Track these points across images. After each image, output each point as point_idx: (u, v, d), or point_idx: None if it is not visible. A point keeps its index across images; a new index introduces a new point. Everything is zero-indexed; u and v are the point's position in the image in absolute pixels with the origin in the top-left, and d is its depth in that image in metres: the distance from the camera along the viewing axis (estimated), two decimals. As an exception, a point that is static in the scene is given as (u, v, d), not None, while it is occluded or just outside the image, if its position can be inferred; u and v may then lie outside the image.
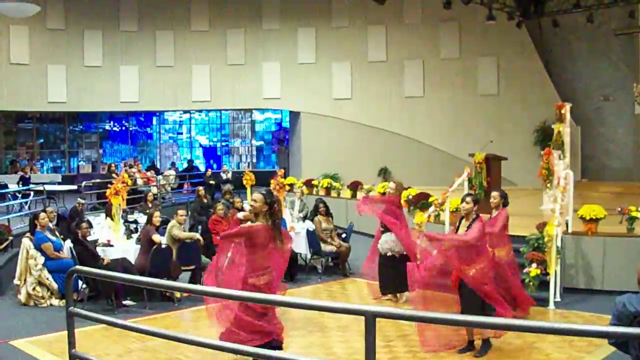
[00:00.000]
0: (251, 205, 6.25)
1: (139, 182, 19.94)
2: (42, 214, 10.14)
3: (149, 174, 21.91)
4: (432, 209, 11.70)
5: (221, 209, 12.41)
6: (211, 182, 20.21)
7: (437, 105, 22.63)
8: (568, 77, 21.85)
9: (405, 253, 9.24)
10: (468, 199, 7.24)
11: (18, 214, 14.52)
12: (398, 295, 9.57)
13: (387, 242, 9.35)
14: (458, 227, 7.34)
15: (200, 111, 26.71)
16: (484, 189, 11.79)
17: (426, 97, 22.82)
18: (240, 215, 6.42)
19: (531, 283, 9.23)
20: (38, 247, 9.75)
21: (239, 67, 23.69)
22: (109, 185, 11.67)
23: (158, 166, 25.75)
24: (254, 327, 6.09)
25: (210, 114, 27.18)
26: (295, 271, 11.24)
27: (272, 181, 17.06)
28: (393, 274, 9.29)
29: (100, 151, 26.69)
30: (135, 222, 12.28)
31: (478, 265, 7.00)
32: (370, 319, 3.47)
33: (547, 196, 13.26)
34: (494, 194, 8.37)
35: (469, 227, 7.10)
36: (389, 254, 9.35)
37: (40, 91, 22.73)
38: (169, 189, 21.90)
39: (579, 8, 19.12)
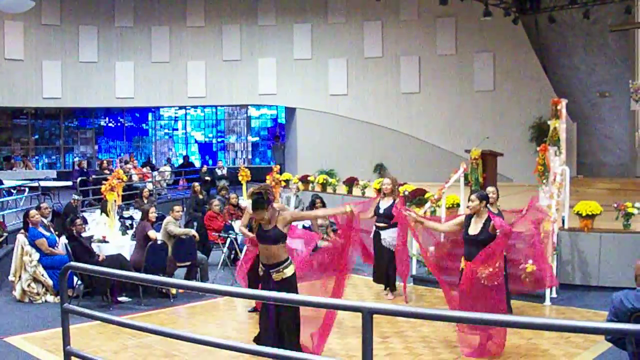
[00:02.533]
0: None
1: (135, 178, 19.90)
2: (33, 212, 10.08)
3: (144, 170, 21.86)
4: (428, 205, 11.68)
5: (217, 205, 12.40)
6: (207, 178, 20.17)
7: (433, 101, 22.61)
8: (564, 73, 21.85)
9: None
10: (473, 196, 6.93)
11: (13, 210, 14.46)
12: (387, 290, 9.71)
13: (391, 237, 9.40)
14: (467, 225, 7.02)
15: (195, 107, 26.65)
16: (480, 185, 11.78)
17: (422, 93, 22.79)
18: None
19: (527, 279, 9.23)
20: (33, 244, 9.71)
21: (235, 63, 23.64)
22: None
23: (153, 162, 25.69)
24: None
25: (205, 110, 27.12)
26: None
27: (267, 177, 17.06)
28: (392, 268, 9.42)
29: (96, 147, 26.62)
30: (131, 218, 12.25)
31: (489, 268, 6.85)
32: (367, 315, 3.45)
33: (543, 192, 13.24)
34: (491, 189, 8.40)
35: (484, 226, 6.83)
36: (391, 248, 9.43)
37: (35, 87, 22.66)
38: (164, 185, 21.85)
39: (575, 4, 19.15)
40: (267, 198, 6.21)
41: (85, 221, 10.98)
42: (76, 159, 25.71)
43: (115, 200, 11.33)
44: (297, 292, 6.39)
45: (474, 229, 6.89)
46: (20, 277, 9.63)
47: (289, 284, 6.27)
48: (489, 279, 6.76)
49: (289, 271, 6.31)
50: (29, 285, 9.56)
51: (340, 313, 7.87)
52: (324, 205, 12.09)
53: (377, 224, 9.54)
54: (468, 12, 21.17)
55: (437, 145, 22.21)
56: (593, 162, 21.08)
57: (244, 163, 25.92)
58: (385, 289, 9.85)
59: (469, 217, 7.04)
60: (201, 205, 14.77)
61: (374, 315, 3.48)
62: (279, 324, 6.23)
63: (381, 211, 9.49)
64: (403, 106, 22.91)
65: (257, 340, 6.50)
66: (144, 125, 27.40)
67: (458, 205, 11.64)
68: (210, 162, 26.03)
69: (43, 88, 22.71)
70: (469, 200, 7.05)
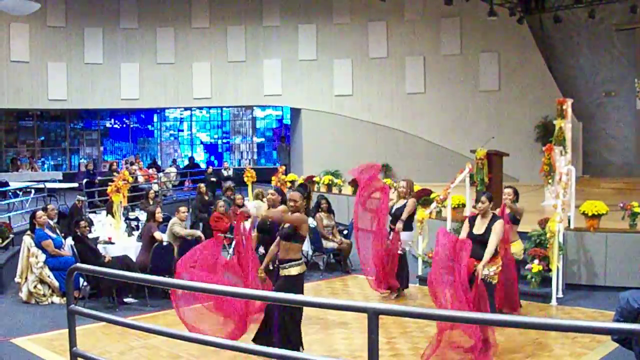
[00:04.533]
0: (292, 206, 6.50)
1: (140, 179, 19.94)
2: (40, 212, 10.10)
3: (150, 171, 21.91)
4: (434, 205, 11.67)
5: (222, 206, 12.41)
6: (212, 179, 20.19)
7: (438, 102, 22.59)
8: (569, 72, 21.79)
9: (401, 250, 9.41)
10: (483, 197, 7.12)
11: (19, 212, 14.49)
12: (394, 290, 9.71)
13: (406, 239, 9.45)
14: (472, 225, 7.22)
15: (201, 108, 26.68)
16: (485, 185, 11.76)
17: (427, 93, 22.77)
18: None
19: (533, 279, 9.22)
20: (39, 245, 9.72)
21: (240, 64, 23.66)
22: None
23: (159, 163, 25.74)
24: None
25: (211, 111, 27.15)
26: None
27: (273, 178, 17.08)
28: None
29: (101, 149, 26.68)
30: (137, 219, 12.27)
31: (493, 267, 6.94)
32: (373, 316, 3.45)
33: (549, 192, 13.24)
34: (508, 190, 8.42)
35: (488, 226, 6.99)
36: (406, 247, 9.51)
37: (41, 89, 22.72)
38: (170, 186, 21.89)
39: (580, 3, 19.11)
40: (308, 191, 6.76)
41: (91, 223, 11.00)
42: (82, 161, 25.79)
43: (121, 202, 11.36)
44: (302, 292, 6.47)
45: (479, 228, 7.03)
46: (26, 278, 9.66)
47: (292, 283, 6.38)
48: (489, 277, 6.90)
49: (294, 270, 6.47)
50: (35, 287, 9.58)
51: (346, 314, 7.88)
52: (329, 206, 12.08)
53: (391, 225, 9.51)
54: (473, 12, 21.15)
55: (442, 145, 22.18)
56: (599, 161, 21.02)
57: (249, 164, 25.91)
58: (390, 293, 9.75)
59: (472, 218, 7.18)
60: (207, 206, 14.78)
61: (380, 316, 3.47)
62: (282, 324, 6.33)
63: (395, 212, 9.48)
64: (408, 106, 22.88)
65: (255, 339, 6.53)
66: (149, 126, 27.45)
67: (463, 205, 11.62)
68: (216, 163, 26.07)
69: (48, 90, 22.77)
70: (477, 201, 7.14)
